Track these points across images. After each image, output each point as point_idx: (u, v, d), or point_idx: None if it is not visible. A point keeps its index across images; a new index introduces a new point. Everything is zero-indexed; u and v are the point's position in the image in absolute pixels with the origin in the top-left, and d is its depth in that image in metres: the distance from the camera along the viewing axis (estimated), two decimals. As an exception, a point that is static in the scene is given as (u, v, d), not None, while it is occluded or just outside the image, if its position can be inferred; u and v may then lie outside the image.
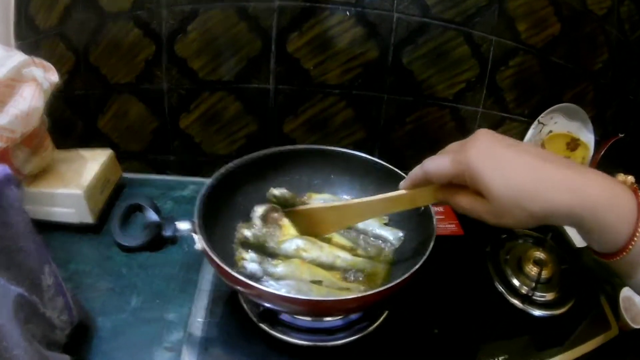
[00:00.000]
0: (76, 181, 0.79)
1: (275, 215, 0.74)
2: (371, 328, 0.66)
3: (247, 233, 0.68)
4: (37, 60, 0.70)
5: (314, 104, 0.95)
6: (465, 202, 0.48)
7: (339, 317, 0.66)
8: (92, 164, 0.83)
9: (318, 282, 0.64)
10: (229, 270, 0.54)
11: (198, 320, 0.65)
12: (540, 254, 0.77)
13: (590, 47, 0.98)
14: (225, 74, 0.92)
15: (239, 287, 0.56)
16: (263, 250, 0.68)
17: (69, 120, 0.98)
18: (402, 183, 0.55)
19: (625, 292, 0.77)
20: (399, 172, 0.73)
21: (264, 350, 0.62)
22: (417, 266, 0.57)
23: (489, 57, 0.93)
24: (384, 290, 0.54)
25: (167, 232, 0.66)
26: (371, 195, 0.60)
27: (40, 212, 0.77)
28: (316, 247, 0.69)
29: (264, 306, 0.62)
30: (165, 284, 0.71)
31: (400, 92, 0.95)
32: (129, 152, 1.00)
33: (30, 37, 0.93)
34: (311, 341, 0.63)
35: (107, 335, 0.63)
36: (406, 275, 0.56)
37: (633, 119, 1.09)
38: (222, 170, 0.70)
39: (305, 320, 0.65)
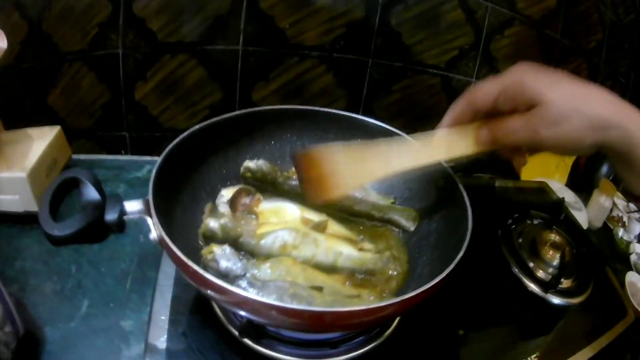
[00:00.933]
0: (20, 163, 0.71)
1: (247, 200, 0.59)
2: (382, 337, 0.54)
3: (213, 225, 0.53)
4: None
5: (289, 67, 0.89)
6: (516, 122, 0.44)
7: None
8: (38, 143, 0.76)
9: (317, 289, 0.50)
10: (196, 268, 0.41)
11: (158, 331, 0.54)
12: (554, 237, 0.72)
13: (585, 24, 0.98)
14: (188, 35, 0.84)
15: (209, 292, 0.43)
16: (237, 248, 0.54)
17: (19, 98, 0.90)
18: (442, 121, 0.49)
19: (630, 277, 0.76)
20: (406, 136, 0.61)
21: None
22: (455, 262, 0.45)
23: (484, 25, 0.91)
24: (415, 296, 0.42)
25: (111, 216, 0.47)
26: None
27: (-17, 201, 0.70)
28: (309, 242, 0.55)
29: (245, 317, 0.50)
30: (119, 283, 0.64)
31: (387, 57, 0.90)
32: (80, 130, 0.93)
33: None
34: (307, 357, 0.52)
35: (56, 350, 0.55)
36: (443, 275, 0.44)
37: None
38: (184, 135, 0.56)
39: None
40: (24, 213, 0.70)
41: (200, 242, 0.55)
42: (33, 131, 0.78)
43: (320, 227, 0.57)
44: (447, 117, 0.48)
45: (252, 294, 0.42)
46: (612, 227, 0.88)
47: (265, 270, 0.50)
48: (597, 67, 1.02)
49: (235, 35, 0.84)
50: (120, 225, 0.47)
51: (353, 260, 0.55)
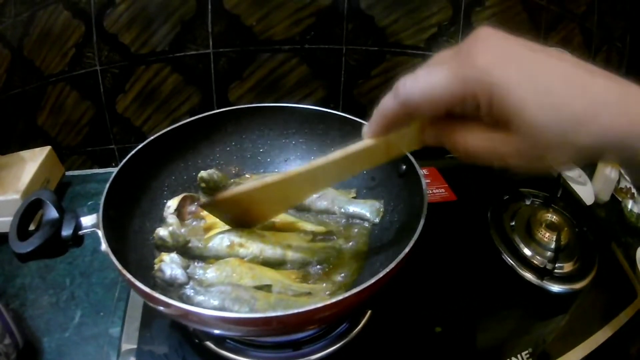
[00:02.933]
0: (14, 186, 0.74)
1: (193, 207, 0.59)
2: (351, 335, 0.52)
3: (163, 233, 0.53)
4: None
5: (262, 64, 0.88)
6: (476, 142, 0.32)
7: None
8: (30, 165, 0.79)
9: (265, 288, 0.49)
10: (131, 279, 0.41)
11: (132, 339, 0.56)
12: (551, 216, 0.65)
13: None
14: (159, 44, 0.84)
15: (150, 303, 0.42)
16: (187, 253, 0.54)
17: (10, 123, 0.92)
18: (366, 127, 0.38)
19: (640, 252, 0.69)
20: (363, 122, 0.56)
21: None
22: (407, 249, 0.42)
23: None
24: (364, 289, 0.39)
25: (66, 232, 0.49)
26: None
27: (-17, 224, 0.72)
28: (256, 238, 0.53)
29: (193, 326, 0.49)
30: (109, 292, 0.65)
31: (361, 42, 0.87)
32: (71, 147, 0.94)
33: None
34: None
35: (53, 358, 0.58)
36: (393, 264, 0.41)
37: (623, 67, 1.00)
38: (139, 147, 0.57)
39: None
40: (22, 233, 0.73)
41: (156, 253, 0.55)
42: (25, 153, 0.81)
43: (266, 226, 0.56)
44: (378, 125, 0.37)
45: (184, 304, 0.40)
46: (620, 199, 0.81)
47: (211, 272, 0.50)
48: (590, 32, 0.95)
49: (204, 38, 0.83)
50: (77, 239, 0.48)
51: (303, 252, 0.53)
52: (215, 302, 0.46)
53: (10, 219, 0.72)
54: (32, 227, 0.54)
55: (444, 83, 0.31)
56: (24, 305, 0.65)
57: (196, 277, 0.50)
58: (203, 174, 0.62)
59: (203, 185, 0.63)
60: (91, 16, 0.81)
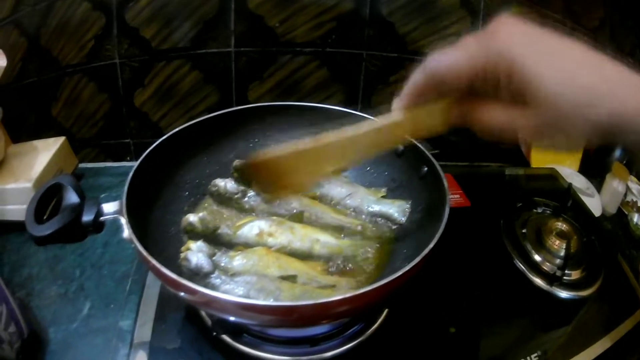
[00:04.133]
0: (26, 174, 0.74)
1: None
2: (368, 333, 0.52)
3: (193, 219, 0.54)
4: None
5: (282, 65, 0.88)
6: (497, 117, 0.34)
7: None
8: (43, 154, 0.78)
9: (291, 278, 0.49)
10: (156, 264, 0.41)
11: (145, 332, 0.55)
12: (561, 225, 0.67)
13: (585, 2, 0.92)
14: (180, 40, 0.85)
15: (174, 290, 0.43)
16: (216, 240, 0.55)
17: (24, 111, 0.92)
18: (396, 100, 0.39)
19: (646, 262, 0.71)
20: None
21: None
22: (428, 249, 0.43)
23: (479, 8, 0.86)
24: (385, 285, 0.40)
25: (87, 217, 0.49)
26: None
27: (-7, 212, 0.72)
28: (285, 230, 0.54)
29: (217, 316, 0.49)
30: (120, 285, 0.64)
31: (381, 48, 0.88)
32: (85, 140, 0.94)
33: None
34: (290, 355, 0.50)
35: (58, 349, 0.57)
36: (414, 262, 0.42)
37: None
38: (164, 137, 0.57)
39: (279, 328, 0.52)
40: (32, 222, 0.72)
41: (182, 236, 0.56)
42: (39, 143, 0.80)
43: (296, 218, 0.57)
44: (407, 97, 0.38)
45: (211, 290, 0.40)
46: (626, 212, 0.82)
47: (237, 260, 0.50)
48: (603, 47, 0.97)
49: (226, 37, 0.84)
50: (97, 225, 0.48)
51: (330, 247, 0.54)
52: (240, 292, 0.47)
53: (21, 207, 0.73)
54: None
55: (468, 56, 0.33)
56: (31, 294, 0.64)
57: (222, 264, 0.50)
58: (237, 163, 0.63)
59: (236, 175, 0.63)
60: (112, 9, 0.81)
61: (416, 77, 0.37)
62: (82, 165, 0.86)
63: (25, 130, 0.92)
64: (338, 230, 0.58)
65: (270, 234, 0.54)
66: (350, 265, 0.53)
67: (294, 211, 0.59)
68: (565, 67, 0.30)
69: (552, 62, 0.31)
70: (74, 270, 0.67)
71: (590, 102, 0.30)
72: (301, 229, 0.55)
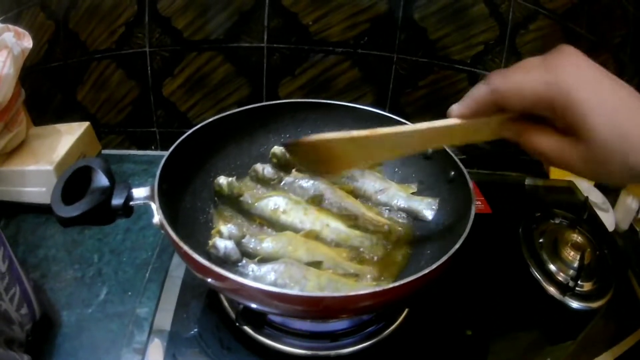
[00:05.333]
0: (48, 157, 0.73)
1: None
2: (387, 332, 0.53)
3: (222, 181, 0.58)
4: (12, 27, 0.68)
5: (314, 64, 0.87)
6: (548, 143, 0.36)
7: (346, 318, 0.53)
8: (66, 138, 0.78)
9: (316, 265, 0.51)
10: (187, 250, 0.41)
11: (165, 319, 0.55)
12: (577, 237, 0.69)
13: (609, 19, 0.92)
14: (213, 32, 0.84)
15: (202, 276, 0.43)
16: (237, 206, 0.59)
17: (48, 94, 0.91)
18: (455, 107, 0.41)
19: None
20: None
21: (247, 361, 0.50)
22: (454, 249, 0.44)
23: (508, 18, 0.86)
24: (411, 282, 0.41)
25: (117, 201, 0.48)
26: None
27: (11, 192, 0.73)
28: (299, 210, 0.57)
29: (242, 304, 0.49)
30: (139, 272, 0.64)
31: (411, 52, 0.87)
32: (110, 126, 0.94)
33: (13, 10, 0.85)
34: (309, 349, 0.51)
35: (71, 332, 0.57)
36: (441, 261, 0.43)
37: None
38: (197, 127, 0.58)
39: (300, 321, 0.52)
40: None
41: (211, 224, 0.57)
42: (62, 127, 0.81)
43: (315, 201, 0.59)
44: (467, 107, 0.40)
45: (239, 278, 0.40)
46: (638, 229, 0.83)
47: (267, 243, 0.52)
48: (623, 63, 0.95)
49: (259, 32, 0.83)
50: (127, 210, 0.47)
51: (338, 234, 0.56)
52: (269, 280, 0.47)
53: (40, 189, 0.73)
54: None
55: (531, 82, 0.35)
56: (45, 276, 0.64)
57: (250, 246, 0.52)
58: (276, 149, 0.65)
59: (275, 160, 0.66)
60: (144, -4, 0.81)
61: (480, 89, 0.38)
62: (105, 151, 0.87)
63: (49, 113, 0.92)
64: (352, 219, 0.59)
65: (284, 212, 0.57)
66: (375, 257, 0.55)
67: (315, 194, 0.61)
68: (616, 114, 0.32)
69: (605, 103, 0.32)
70: (92, 255, 0.67)
71: (632, 150, 0.31)
72: (315, 212, 0.57)
